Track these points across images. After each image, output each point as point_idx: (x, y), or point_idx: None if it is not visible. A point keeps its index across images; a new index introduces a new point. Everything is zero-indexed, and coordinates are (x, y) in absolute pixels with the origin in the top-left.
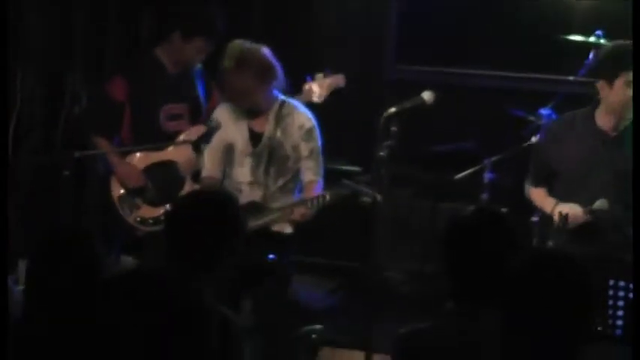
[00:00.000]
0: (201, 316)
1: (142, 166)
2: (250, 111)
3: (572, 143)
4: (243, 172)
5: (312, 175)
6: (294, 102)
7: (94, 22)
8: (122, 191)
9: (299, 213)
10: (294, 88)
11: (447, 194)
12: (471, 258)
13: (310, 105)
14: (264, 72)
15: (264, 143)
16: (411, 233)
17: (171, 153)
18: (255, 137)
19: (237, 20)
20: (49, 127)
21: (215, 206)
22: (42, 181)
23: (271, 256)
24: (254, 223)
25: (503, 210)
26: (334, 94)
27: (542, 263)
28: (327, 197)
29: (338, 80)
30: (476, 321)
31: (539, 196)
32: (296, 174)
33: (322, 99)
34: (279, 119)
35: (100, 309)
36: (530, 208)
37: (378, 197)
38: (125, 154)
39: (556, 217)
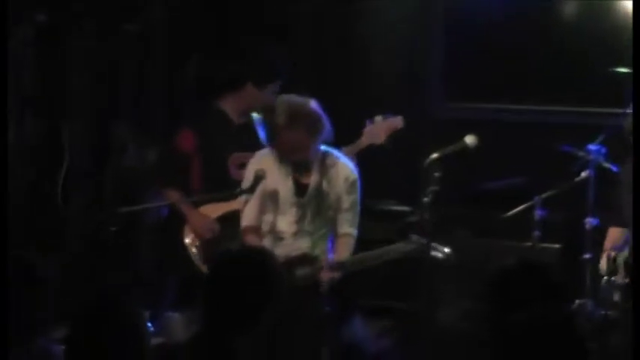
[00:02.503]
0: None
1: (214, 216)
2: (295, 162)
3: None
4: (287, 222)
5: (348, 227)
6: (336, 152)
7: (141, 74)
8: (198, 242)
9: (327, 275)
10: (351, 131)
11: (498, 232)
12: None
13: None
14: (315, 126)
15: (311, 194)
16: (465, 271)
17: (238, 202)
18: (300, 188)
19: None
20: (97, 182)
21: (255, 268)
22: (90, 237)
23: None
24: (307, 274)
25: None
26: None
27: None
28: (392, 254)
29: (396, 122)
30: None
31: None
32: (333, 223)
33: (382, 141)
34: (324, 170)
35: None
36: (583, 245)
37: (450, 253)
38: (197, 205)
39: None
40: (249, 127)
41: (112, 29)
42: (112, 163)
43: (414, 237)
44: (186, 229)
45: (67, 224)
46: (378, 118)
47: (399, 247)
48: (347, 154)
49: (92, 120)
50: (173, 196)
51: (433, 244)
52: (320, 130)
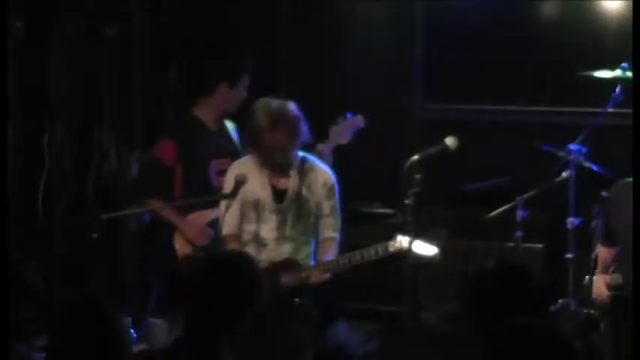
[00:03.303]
0: None
1: (204, 222)
2: (275, 167)
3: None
4: (268, 228)
5: (331, 231)
6: (313, 158)
7: (123, 80)
8: (189, 249)
9: (317, 278)
10: (320, 132)
11: (481, 233)
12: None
13: (343, 148)
14: (295, 128)
15: (290, 199)
16: (447, 273)
17: (219, 209)
18: (278, 194)
19: (264, 66)
20: (78, 187)
21: (234, 271)
22: (71, 243)
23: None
24: (291, 279)
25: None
26: (364, 136)
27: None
28: (380, 252)
29: (358, 121)
30: None
31: (600, 256)
32: (314, 229)
33: (347, 140)
34: (303, 175)
35: None
36: (565, 244)
37: (436, 252)
38: (186, 214)
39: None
40: (224, 133)
41: (94, 33)
42: (94, 168)
43: (399, 236)
44: (177, 238)
45: (48, 231)
46: (340, 119)
47: (386, 246)
48: (321, 154)
49: (74, 125)
50: (157, 206)
51: (419, 242)
52: (299, 132)
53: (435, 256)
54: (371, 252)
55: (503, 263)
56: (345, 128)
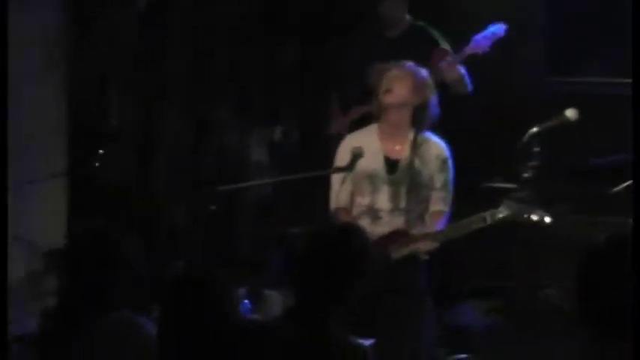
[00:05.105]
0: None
1: None
2: (389, 135)
3: None
4: (381, 199)
5: (442, 205)
6: (427, 132)
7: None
8: None
9: (425, 247)
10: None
11: (603, 208)
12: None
13: (462, 121)
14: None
15: (403, 170)
16: (569, 249)
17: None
18: (390, 164)
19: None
20: (197, 162)
21: (344, 242)
22: (187, 217)
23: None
24: (400, 251)
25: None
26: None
27: None
28: (488, 220)
29: (500, 31)
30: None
31: None
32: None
33: (485, 50)
34: (416, 147)
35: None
36: None
37: (547, 218)
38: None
39: None
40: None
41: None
42: (212, 142)
43: (508, 202)
44: None
45: (167, 205)
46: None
47: (494, 213)
48: (451, 64)
49: (192, 101)
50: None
51: (529, 207)
52: (419, 78)
53: (548, 223)
54: (479, 220)
55: (614, 238)
56: (488, 37)
